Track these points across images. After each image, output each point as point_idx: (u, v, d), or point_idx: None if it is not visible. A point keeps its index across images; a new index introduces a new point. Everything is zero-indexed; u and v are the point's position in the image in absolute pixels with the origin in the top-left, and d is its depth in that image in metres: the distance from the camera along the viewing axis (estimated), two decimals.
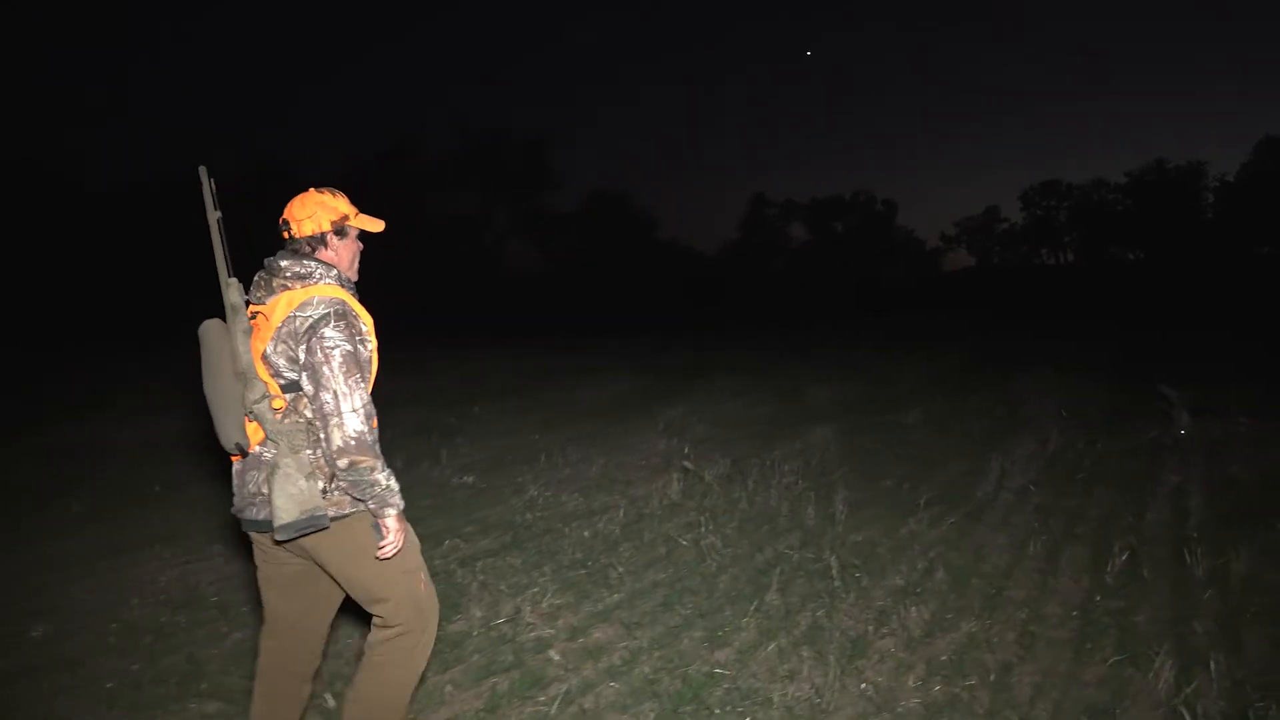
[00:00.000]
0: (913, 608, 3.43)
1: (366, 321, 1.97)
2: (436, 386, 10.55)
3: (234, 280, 1.95)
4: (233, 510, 2.03)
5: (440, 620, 2.21)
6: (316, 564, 2.02)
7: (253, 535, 2.04)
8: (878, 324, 21.74)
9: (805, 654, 3.06)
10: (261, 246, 2.12)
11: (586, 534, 4.48)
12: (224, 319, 1.95)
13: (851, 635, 3.23)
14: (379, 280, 3.14)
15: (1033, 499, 4.99)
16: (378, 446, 1.90)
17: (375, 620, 2.06)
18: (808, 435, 6.93)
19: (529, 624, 3.35)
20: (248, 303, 1.97)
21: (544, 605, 3.54)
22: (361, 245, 2.13)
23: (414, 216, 48.23)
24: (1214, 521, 4.43)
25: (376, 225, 2.10)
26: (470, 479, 5.79)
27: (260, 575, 2.11)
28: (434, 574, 2.46)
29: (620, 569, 3.97)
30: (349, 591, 2.05)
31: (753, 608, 3.47)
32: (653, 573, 3.94)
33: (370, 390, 1.94)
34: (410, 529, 2.05)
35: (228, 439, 1.93)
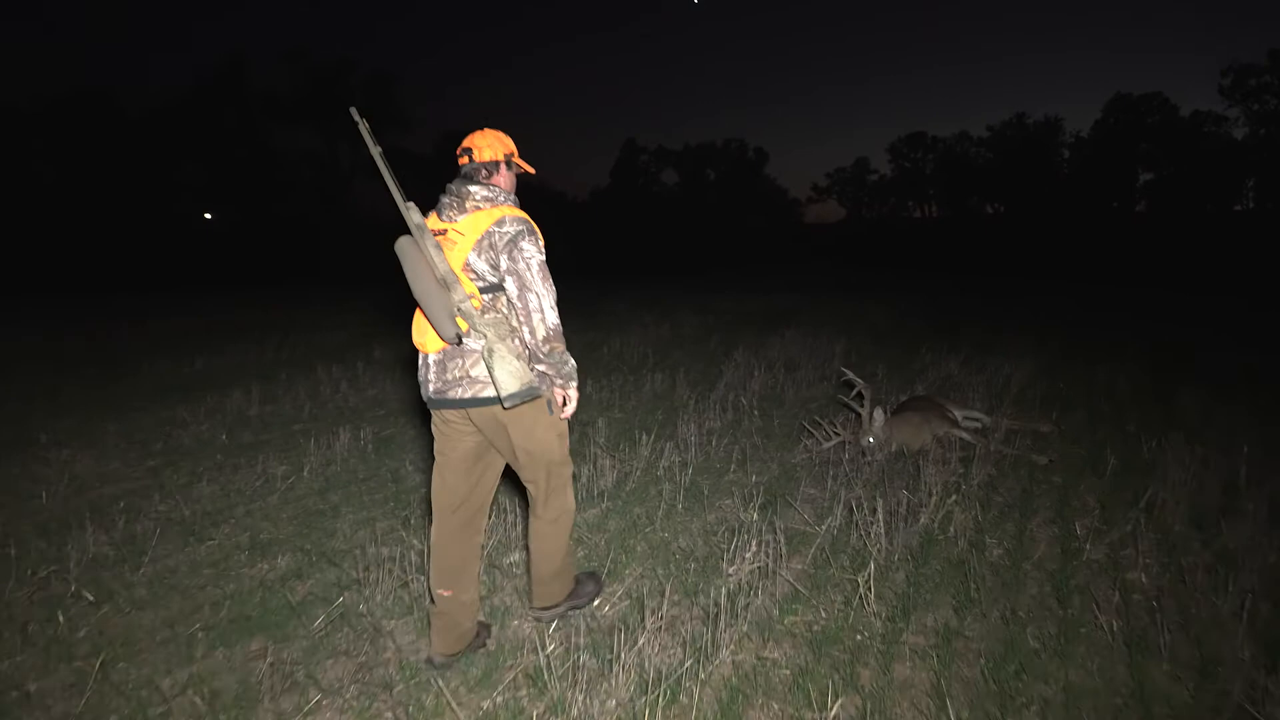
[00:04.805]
0: None
1: (540, 236, 2.25)
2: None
3: (412, 203, 2.14)
4: (431, 394, 2.29)
5: None
6: (487, 438, 2.34)
7: (443, 414, 2.32)
8: (696, 281, 19.86)
9: None
10: None
11: None
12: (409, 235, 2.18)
13: None
14: None
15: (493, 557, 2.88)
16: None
17: (529, 491, 2.42)
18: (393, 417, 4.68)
19: None
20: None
21: None
22: (515, 180, 2.41)
23: (249, 145, 44.26)
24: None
25: (529, 169, 2.42)
26: None
27: (437, 459, 2.36)
28: None
29: None
30: (518, 453, 2.32)
31: None
32: None
33: None
34: None
35: (447, 333, 2.13)
